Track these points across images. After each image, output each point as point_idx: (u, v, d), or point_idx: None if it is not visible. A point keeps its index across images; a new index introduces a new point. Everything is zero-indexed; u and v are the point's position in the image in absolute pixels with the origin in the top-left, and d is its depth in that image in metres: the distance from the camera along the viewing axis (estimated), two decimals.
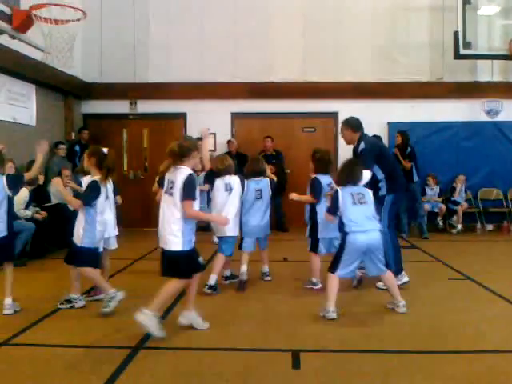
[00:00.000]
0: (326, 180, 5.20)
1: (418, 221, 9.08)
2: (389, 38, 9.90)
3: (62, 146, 8.51)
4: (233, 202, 5.20)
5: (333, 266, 4.31)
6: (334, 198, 4.36)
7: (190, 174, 3.73)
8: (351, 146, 5.52)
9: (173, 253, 3.77)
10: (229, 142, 9.74)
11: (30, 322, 4.15)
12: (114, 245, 5.11)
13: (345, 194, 4.31)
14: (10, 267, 4.50)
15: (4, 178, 4.45)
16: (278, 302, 4.80)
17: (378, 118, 9.59)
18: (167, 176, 3.84)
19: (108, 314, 4.31)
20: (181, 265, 3.77)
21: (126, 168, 10.18)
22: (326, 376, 3.15)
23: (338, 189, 4.38)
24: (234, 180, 5.25)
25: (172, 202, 3.74)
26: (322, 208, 4.99)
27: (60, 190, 4.54)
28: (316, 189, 5.15)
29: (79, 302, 4.57)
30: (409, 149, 8.96)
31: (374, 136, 8.81)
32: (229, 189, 5.21)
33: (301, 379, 3.12)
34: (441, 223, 9.51)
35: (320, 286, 5.23)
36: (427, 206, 9.35)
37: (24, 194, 6.51)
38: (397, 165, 6.15)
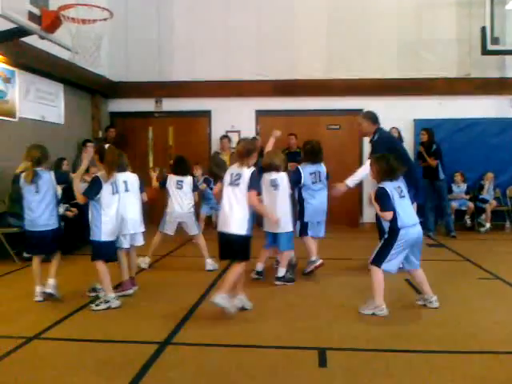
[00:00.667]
0: (312, 169, 5.66)
1: (445, 219, 8.95)
2: (415, 34, 9.76)
3: (89, 144, 8.62)
4: (282, 198, 5.30)
5: (379, 260, 4.30)
6: (385, 195, 4.31)
7: (254, 170, 4.25)
8: None
9: (237, 237, 4.17)
10: (253, 139, 9.73)
11: (61, 316, 4.25)
12: (140, 241, 5.18)
13: (391, 189, 4.32)
14: (59, 256, 4.86)
15: (52, 173, 4.85)
16: (303, 298, 4.80)
17: (403, 114, 9.50)
18: (231, 171, 4.31)
19: (94, 311, 4.39)
20: (245, 248, 4.22)
21: (151, 165, 10.27)
22: (352, 375, 3.13)
23: (382, 185, 4.36)
24: (280, 176, 5.33)
25: (239, 192, 4.18)
26: (308, 193, 5.59)
27: (74, 184, 4.66)
28: (296, 175, 5.60)
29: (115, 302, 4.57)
30: (434, 146, 8.83)
31: (393, 127, 8.80)
32: (274, 185, 5.31)
33: (327, 378, 3.11)
34: (469, 222, 9.36)
35: (320, 261, 5.60)
36: (454, 204, 9.22)
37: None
38: (411, 161, 6.24)
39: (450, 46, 9.72)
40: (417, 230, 4.37)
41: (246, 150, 4.28)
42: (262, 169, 5.34)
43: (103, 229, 4.52)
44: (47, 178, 4.75)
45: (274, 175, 5.31)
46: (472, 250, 7.35)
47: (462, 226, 9.25)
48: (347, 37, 9.80)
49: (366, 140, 6.30)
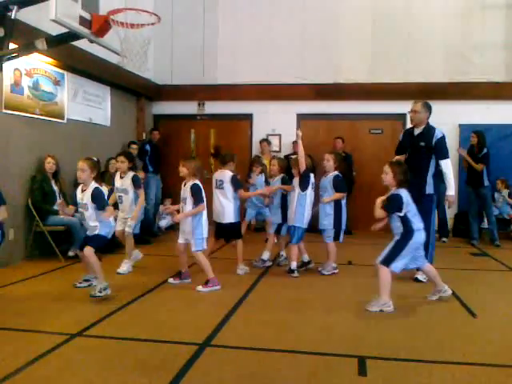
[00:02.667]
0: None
1: (489, 227, 8.70)
2: (462, 37, 9.54)
3: (134, 146, 8.82)
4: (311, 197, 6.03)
5: (389, 260, 4.53)
6: (397, 201, 4.55)
7: (233, 174, 5.86)
8: None
9: (230, 224, 5.86)
10: (294, 143, 9.73)
11: (104, 313, 4.36)
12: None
13: (406, 196, 4.60)
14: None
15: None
16: (341, 305, 4.76)
17: (449, 119, 9.27)
18: (215, 177, 5.98)
19: (95, 298, 4.74)
20: (237, 230, 6.02)
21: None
22: None
23: (398, 193, 4.61)
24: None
25: (225, 192, 5.83)
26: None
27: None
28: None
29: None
30: (485, 150, 8.49)
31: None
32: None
33: None
34: None
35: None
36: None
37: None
38: None
39: (498, 49, 9.45)
40: (424, 235, 4.69)
41: (222, 160, 5.91)
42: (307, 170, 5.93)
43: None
44: None
45: (312, 177, 5.98)
46: None
47: (506, 235, 8.96)
48: (390, 40, 9.67)
49: None
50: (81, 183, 5.03)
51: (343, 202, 6.03)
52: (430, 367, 3.36)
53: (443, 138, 5.66)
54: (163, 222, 9.16)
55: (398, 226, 4.61)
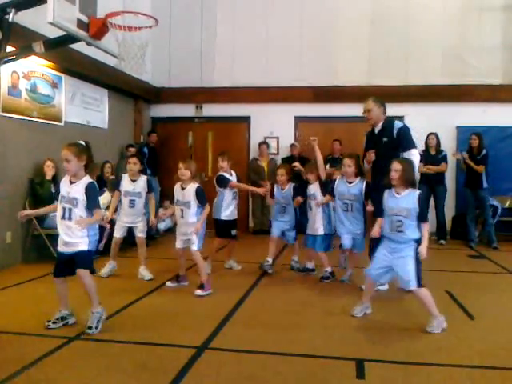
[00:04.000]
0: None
1: (487, 229, 8.70)
2: (459, 40, 9.55)
3: (131, 149, 8.81)
4: None
5: (419, 278, 4.05)
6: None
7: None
8: None
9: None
10: (292, 145, 9.74)
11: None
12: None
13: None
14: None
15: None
16: (341, 308, 4.74)
17: (446, 121, 9.34)
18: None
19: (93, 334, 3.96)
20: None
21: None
22: None
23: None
24: None
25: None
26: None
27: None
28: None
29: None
30: (484, 151, 8.50)
31: (431, 134, 8.67)
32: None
33: None
34: None
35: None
36: None
37: (107, 198, 7.06)
38: None
39: (496, 51, 9.46)
40: None
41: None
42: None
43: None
44: None
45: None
46: None
47: (504, 237, 8.95)
48: (388, 42, 9.67)
49: None
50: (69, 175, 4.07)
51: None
52: (429, 369, 3.36)
53: (404, 127, 5.27)
54: (162, 225, 9.15)
55: (411, 232, 4.08)
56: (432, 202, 8.63)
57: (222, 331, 4.07)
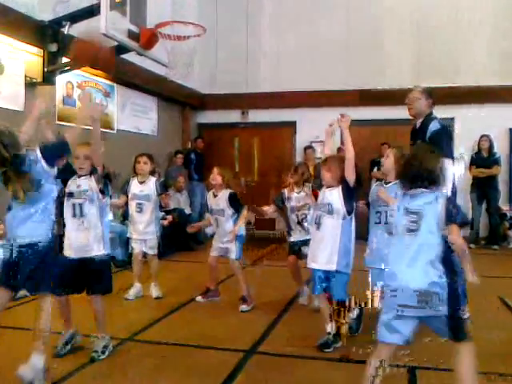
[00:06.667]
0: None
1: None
2: (510, 39, 9.27)
3: (179, 156, 8.99)
4: None
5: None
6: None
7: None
8: None
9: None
10: (339, 149, 9.65)
11: (152, 319, 4.44)
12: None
13: None
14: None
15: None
16: None
17: (498, 123, 9.05)
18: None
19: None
20: None
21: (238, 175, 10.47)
22: None
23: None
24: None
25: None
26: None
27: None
28: None
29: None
30: (497, 153, 8.55)
31: (483, 136, 8.43)
32: None
33: None
34: None
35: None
36: None
37: None
38: None
39: None
40: None
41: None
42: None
43: None
44: None
45: None
46: None
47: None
48: (437, 42, 9.47)
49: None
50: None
51: None
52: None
53: (440, 131, 4.31)
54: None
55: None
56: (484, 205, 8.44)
57: (269, 336, 4.07)
